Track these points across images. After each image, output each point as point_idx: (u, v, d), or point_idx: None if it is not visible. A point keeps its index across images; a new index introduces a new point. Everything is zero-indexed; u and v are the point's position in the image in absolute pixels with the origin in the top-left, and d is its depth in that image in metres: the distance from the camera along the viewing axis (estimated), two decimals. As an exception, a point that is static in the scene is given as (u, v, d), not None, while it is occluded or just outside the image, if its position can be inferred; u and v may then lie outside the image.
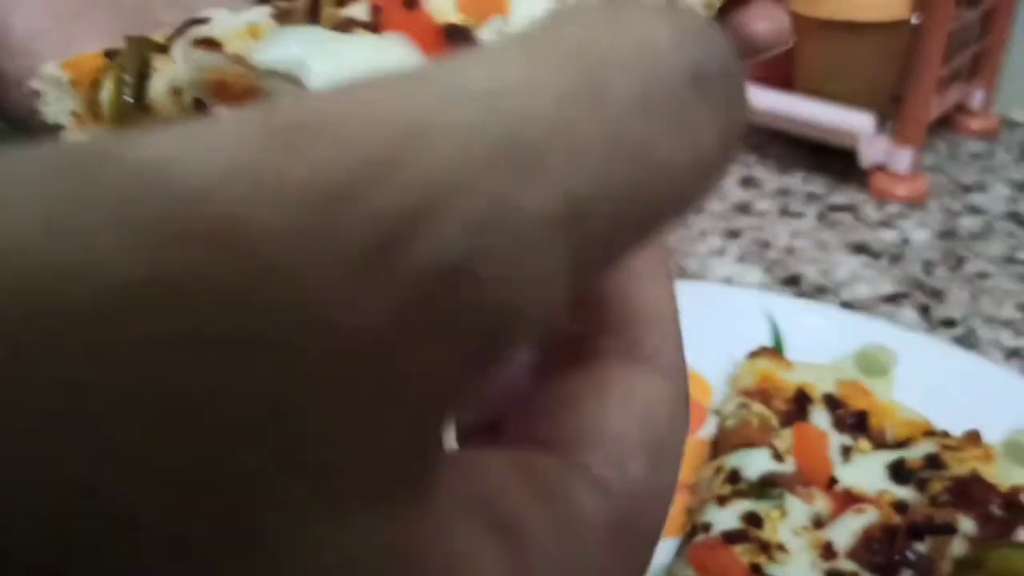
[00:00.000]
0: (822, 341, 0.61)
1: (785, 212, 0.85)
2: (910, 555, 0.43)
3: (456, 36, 0.21)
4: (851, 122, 0.83)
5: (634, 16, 0.12)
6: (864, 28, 0.81)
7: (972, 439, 0.50)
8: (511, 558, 0.13)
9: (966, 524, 0.44)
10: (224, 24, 0.22)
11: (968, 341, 0.67)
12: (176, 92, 0.23)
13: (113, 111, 0.25)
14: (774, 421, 0.52)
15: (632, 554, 0.16)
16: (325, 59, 0.20)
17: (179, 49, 0.23)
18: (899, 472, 0.48)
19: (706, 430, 0.56)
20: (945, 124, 0.99)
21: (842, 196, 0.87)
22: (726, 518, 0.46)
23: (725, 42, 0.13)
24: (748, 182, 0.89)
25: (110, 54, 0.27)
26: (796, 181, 0.90)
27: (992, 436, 0.54)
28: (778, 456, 0.49)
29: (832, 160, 0.89)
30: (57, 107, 0.28)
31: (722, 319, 0.61)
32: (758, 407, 0.53)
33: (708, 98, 0.12)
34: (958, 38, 0.86)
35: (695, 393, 0.61)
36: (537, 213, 0.10)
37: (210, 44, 0.22)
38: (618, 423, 0.16)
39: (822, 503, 0.47)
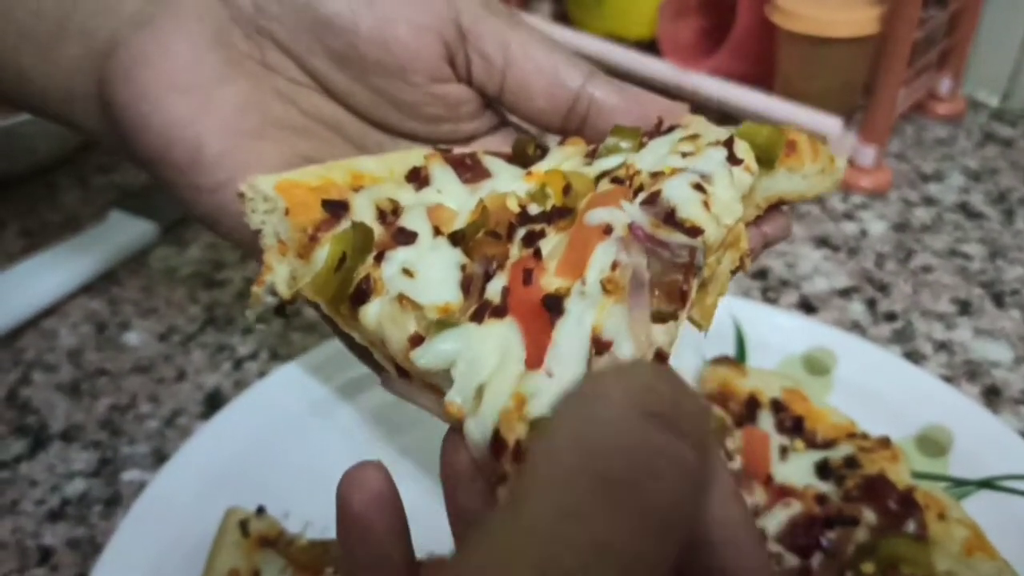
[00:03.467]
0: (778, 342, 0.73)
1: (760, 203, 0.95)
2: (824, 541, 0.57)
3: (551, 306, 0.31)
4: (821, 124, 0.92)
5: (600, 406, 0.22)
6: (835, 42, 0.90)
7: (883, 442, 0.62)
8: None
9: (869, 516, 0.57)
10: (427, 290, 0.32)
11: (905, 334, 0.79)
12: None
13: (324, 274, 0.33)
14: (728, 422, 0.64)
15: None
16: (463, 359, 0.31)
17: (382, 305, 0.32)
18: (823, 470, 0.61)
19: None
20: (915, 108, 1.08)
21: (813, 185, 0.97)
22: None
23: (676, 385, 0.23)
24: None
25: (329, 205, 0.34)
26: (773, 169, 1.00)
27: (908, 429, 0.67)
28: (729, 456, 0.61)
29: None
30: (262, 220, 0.35)
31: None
32: (716, 410, 0.65)
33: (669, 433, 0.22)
34: (927, 37, 0.95)
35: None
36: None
37: (408, 303, 0.32)
38: None
39: (760, 496, 0.60)
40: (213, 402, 0.72)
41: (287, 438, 0.66)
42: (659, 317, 0.31)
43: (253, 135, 0.38)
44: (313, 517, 0.60)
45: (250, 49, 0.40)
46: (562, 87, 0.41)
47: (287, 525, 0.60)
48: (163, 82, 0.37)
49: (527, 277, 0.32)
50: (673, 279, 0.32)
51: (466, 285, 0.33)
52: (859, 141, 0.94)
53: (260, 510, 0.60)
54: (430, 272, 0.33)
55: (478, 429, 0.30)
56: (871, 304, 0.82)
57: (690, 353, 0.72)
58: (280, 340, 0.78)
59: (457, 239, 0.34)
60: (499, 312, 0.32)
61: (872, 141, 0.93)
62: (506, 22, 0.41)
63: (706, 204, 0.33)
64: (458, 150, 0.40)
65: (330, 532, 0.58)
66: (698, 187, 0.33)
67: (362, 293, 0.33)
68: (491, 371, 0.30)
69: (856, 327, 0.80)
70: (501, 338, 0.31)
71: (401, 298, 0.32)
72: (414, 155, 0.39)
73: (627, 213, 0.32)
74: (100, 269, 0.85)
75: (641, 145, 0.38)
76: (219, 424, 0.65)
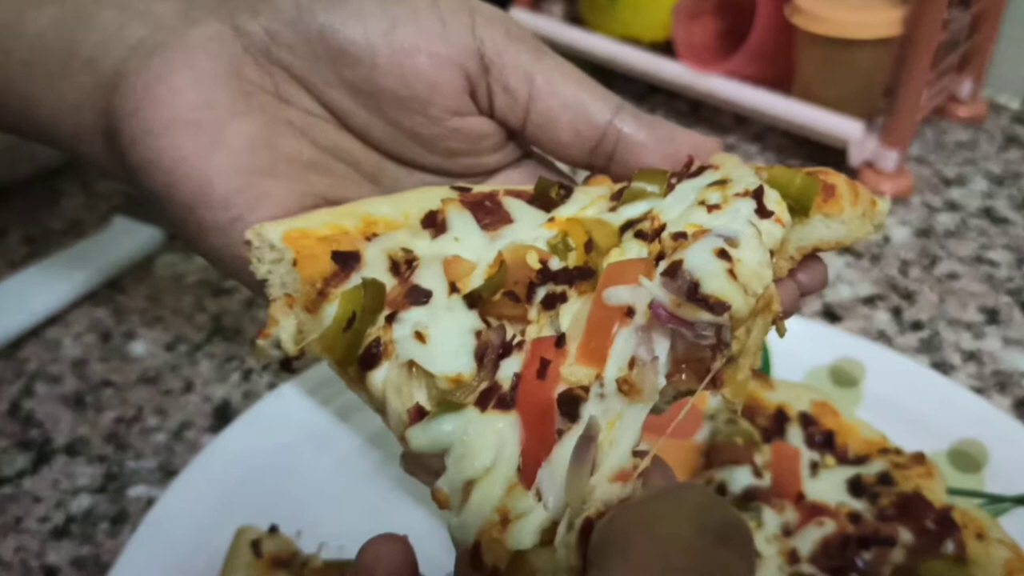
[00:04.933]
0: (804, 353, 0.71)
1: (779, 208, 0.93)
2: (858, 562, 0.54)
3: (564, 406, 0.29)
4: (842, 127, 0.90)
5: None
6: (857, 44, 0.87)
7: (917, 458, 0.60)
8: None
9: (905, 536, 0.55)
10: (439, 357, 0.31)
11: (932, 344, 0.77)
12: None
13: (333, 334, 0.32)
14: (757, 436, 0.62)
15: None
16: (458, 447, 0.30)
17: (389, 371, 0.31)
18: (856, 487, 0.59)
19: (700, 435, 0.67)
20: (935, 111, 1.06)
21: (833, 190, 0.95)
22: (713, 526, 0.57)
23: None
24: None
25: (339, 257, 0.33)
26: (792, 173, 0.97)
27: (940, 443, 0.64)
28: (758, 472, 0.59)
29: (827, 152, 0.97)
30: (269, 270, 0.34)
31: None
32: (744, 424, 0.63)
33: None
34: (949, 39, 0.93)
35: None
36: None
37: (418, 370, 0.31)
38: None
39: (791, 514, 0.57)
40: (222, 415, 0.70)
41: (300, 453, 0.63)
42: (681, 395, 0.32)
43: (264, 172, 0.36)
44: (328, 536, 0.57)
45: (263, 80, 0.38)
46: (588, 122, 0.39)
47: (301, 544, 0.57)
48: (170, 117, 0.35)
49: (543, 369, 0.30)
50: (700, 359, 0.31)
51: (480, 354, 0.31)
52: (881, 145, 0.92)
53: (273, 529, 0.57)
54: (444, 337, 0.32)
55: (460, 530, 0.30)
56: (896, 313, 0.80)
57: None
58: (290, 350, 0.76)
59: (474, 300, 0.33)
60: (505, 403, 0.30)
61: (894, 145, 0.91)
62: (531, 52, 0.38)
63: (732, 272, 0.31)
64: (478, 188, 0.38)
65: (346, 552, 0.56)
66: (723, 253, 0.31)
67: (372, 357, 0.32)
68: (483, 468, 0.30)
69: (882, 336, 0.77)
70: (499, 435, 0.30)
71: (411, 364, 0.31)
72: (430, 197, 0.37)
73: (647, 290, 0.31)
74: (104, 277, 0.83)
75: (669, 187, 0.36)
76: (229, 438, 0.63)
